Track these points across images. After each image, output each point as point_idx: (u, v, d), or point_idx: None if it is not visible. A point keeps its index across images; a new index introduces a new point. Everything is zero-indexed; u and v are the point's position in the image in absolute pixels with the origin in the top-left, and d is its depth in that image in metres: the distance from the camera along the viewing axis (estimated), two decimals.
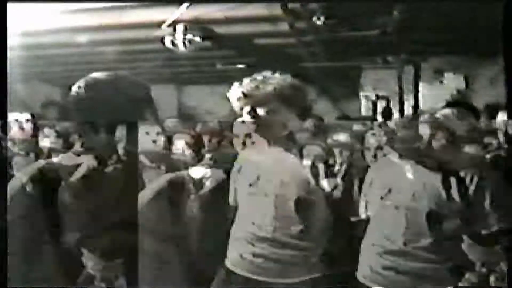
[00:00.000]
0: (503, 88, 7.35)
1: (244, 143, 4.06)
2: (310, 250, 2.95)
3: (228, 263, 3.23)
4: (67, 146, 5.54)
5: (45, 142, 5.53)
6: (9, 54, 7.28)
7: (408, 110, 8.27)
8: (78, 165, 2.04)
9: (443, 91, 8.03)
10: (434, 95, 8.00)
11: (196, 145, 4.54)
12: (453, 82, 8.12)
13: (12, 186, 2.10)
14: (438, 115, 3.08)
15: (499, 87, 7.58)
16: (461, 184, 2.96)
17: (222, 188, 3.54)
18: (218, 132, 5.15)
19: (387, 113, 8.42)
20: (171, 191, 2.67)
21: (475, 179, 3.00)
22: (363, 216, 3.41)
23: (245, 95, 3.05)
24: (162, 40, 6.55)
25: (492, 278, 1.43)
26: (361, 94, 8.82)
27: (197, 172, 3.94)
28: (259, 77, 3.09)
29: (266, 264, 3.05)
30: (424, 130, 3.06)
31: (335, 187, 2.97)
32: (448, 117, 3.07)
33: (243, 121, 3.56)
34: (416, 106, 8.26)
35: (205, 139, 4.98)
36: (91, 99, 2.08)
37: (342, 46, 7.58)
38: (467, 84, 8.11)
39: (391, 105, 8.55)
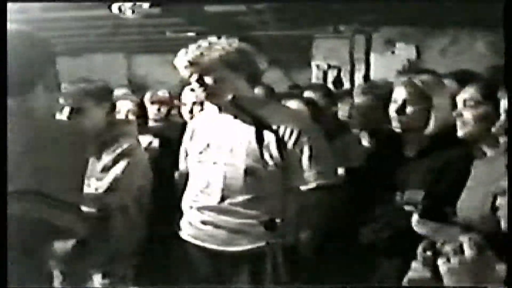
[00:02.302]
0: (452, 59, 7.48)
1: (191, 111, 4.04)
2: (257, 219, 2.92)
3: (178, 230, 3.21)
4: None
5: None
6: None
7: (359, 80, 8.29)
8: None
9: (394, 61, 8.05)
10: (385, 65, 8.02)
11: (141, 113, 4.48)
12: (404, 52, 8.14)
13: None
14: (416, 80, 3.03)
15: (449, 58, 7.66)
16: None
17: (170, 155, 3.51)
18: (166, 100, 5.09)
19: (338, 83, 8.43)
20: None
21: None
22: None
23: (191, 63, 3.00)
24: (109, 6, 6.40)
25: (440, 262, 1.38)
26: (312, 63, 8.79)
27: (144, 139, 3.88)
28: (204, 43, 3.03)
29: (214, 232, 3.05)
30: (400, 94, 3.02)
31: (281, 156, 2.91)
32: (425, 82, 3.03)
33: (192, 89, 3.52)
34: (367, 76, 8.27)
35: (154, 107, 4.93)
36: None
37: (293, 14, 7.53)
38: (418, 54, 8.13)
39: (342, 74, 8.56)
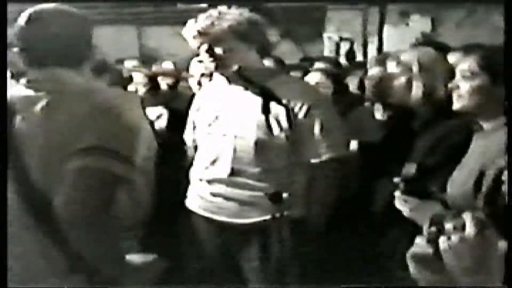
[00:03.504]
0: (468, 32, 7.37)
1: (200, 83, 3.99)
2: (266, 191, 2.86)
3: (188, 202, 3.22)
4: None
5: None
6: None
7: (372, 52, 8.20)
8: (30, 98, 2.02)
9: (408, 33, 7.95)
10: (399, 38, 7.93)
11: (151, 85, 4.45)
12: (419, 24, 8.05)
13: None
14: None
15: (465, 31, 7.55)
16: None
17: (179, 127, 3.47)
18: (174, 72, 5.05)
19: (351, 55, 8.35)
20: None
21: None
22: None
23: (200, 33, 2.94)
24: None
25: (441, 239, 1.32)
26: (324, 35, 8.71)
27: (152, 111, 3.84)
28: (214, 13, 2.98)
29: (224, 204, 3.04)
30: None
31: (291, 129, 2.86)
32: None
33: (200, 61, 3.47)
34: (380, 48, 8.19)
35: (162, 79, 4.90)
36: (33, 31, 2.06)
37: None
38: (433, 27, 8.04)
39: (355, 47, 8.48)
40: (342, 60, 7.52)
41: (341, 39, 8.49)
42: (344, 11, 8.53)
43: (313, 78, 3.96)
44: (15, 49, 2.09)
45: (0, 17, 2.46)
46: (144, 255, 2.30)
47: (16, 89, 2.10)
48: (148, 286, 2.26)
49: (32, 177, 1.94)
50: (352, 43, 8.49)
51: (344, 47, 8.48)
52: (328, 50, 8.54)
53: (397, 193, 2.46)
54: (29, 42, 2.07)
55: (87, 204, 1.88)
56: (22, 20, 2.08)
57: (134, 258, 2.22)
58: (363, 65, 4.89)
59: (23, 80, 2.09)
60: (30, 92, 2.03)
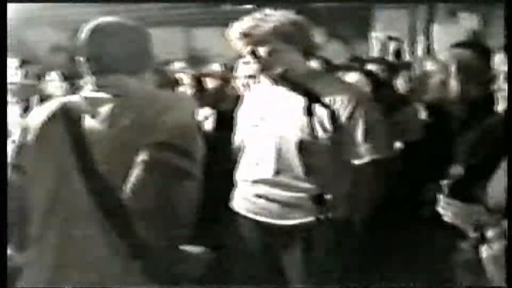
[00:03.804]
0: None
1: (246, 85, 4.02)
2: (308, 193, 2.88)
3: (232, 203, 3.24)
4: (74, 89, 5.52)
5: (49, 86, 5.47)
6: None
7: (420, 51, 8.11)
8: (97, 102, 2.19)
9: (458, 32, 7.84)
10: (447, 36, 7.82)
11: (198, 87, 4.49)
12: (468, 22, 7.93)
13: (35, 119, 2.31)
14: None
15: None
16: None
17: (226, 128, 3.50)
18: (221, 74, 5.08)
19: (398, 54, 8.28)
20: None
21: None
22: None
23: (244, 35, 2.97)
24: None
25: (484, 248, 1.28)
26: (372, 34, 8.66)
27: (200, 113, 3.88)
28: (258, 15, 3.00)
29: (267, 205, 3.05)
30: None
31: (334, 130, 2.86)
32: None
33: (246, 62, 3.49)
34: (428, 47, 8.09)
35: (209, 81, 4.94)
36: (95, 45, 2.24)
37: None
38: (483, 25, 7.92)
39: (403, 46, 8.40)
40: (390, 59, 7.46)
41: (389, 38, 8.42)
42: (391, 9, 8.46)
43: (351, 78, 3.94)
44: (81, 58, 2.27)
45: (0, 17, 2.56)
46: (195, 247, 2.37)
47: (83, 93, 2.28)
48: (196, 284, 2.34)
49: (100, 171, 2.10)
50: (399, 42, 8.42)
51: (392, 46, 8.41)
52: (375, 49, 8.48)
53: (440, 196, 2.42)
54: (94, 52, 2.24)
55: (151, 194, 2.04)
56: (86, 32, 2.26)
57: (187, 248, 2.29)
58: (408, 65, 4.86)
59: (89, 86, 2.25)
60: (98, 95, 2.20)
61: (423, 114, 3.54)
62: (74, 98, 2.30)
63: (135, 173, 2.05)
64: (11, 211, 2.27)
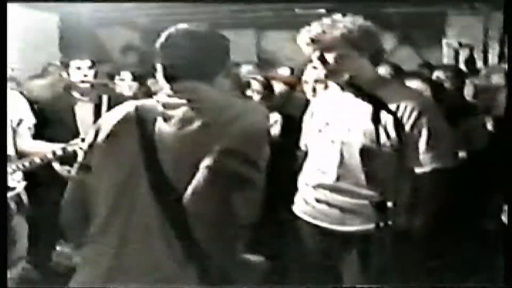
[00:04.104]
0: None
1: (314, 89, 4.05)
2: (369, 200, 2.89)
3: (294, 208, 3.26)
4: (144, 90, 5.65)
5: (120, 85, 5.60)
6: None
7: (493, 59, 7.97)
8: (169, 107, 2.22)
9: None
10: None
11: (266, 91, 4.53)
12: None
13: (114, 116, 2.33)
14: None
15: None
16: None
17: (292, 132, 3.54)
18: (289, 78, 5.12)
19: (470, 62, 8.15)
20: None
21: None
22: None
23: (313, 40, 3.00)
24: None
25: None
26: (444, 41, 8.54)
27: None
28: (327, 21, 3.03)
29: (328, 210, 3.07)
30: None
31: (398, 138, 2.86)
32: None
33: (314, 67, 3.52)
34: (501, 55, 7.93)
35: (277, 85, 4.97)
36: (170, 51, 2.27)
37: None
38: None
39: (475, 53, 8.26)
40: (462, 67, 7.36)
41: (461, 45, 8.30)
42: (465, 16, 8.33)
43: (416, 85, 3.91)
44: (157, 64, 2.30)
45: (0, 17, 2.57)
46: (254, 255, 2.39)
47: (158, 97, 2.31)
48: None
49: (166, 173, 2.13)
50: (471, 49, 8.29)
51: (464, 53, 8.29)
52: (446, 56, 8.38)
53: (505, 207, 2.41)
54: (169, 58, 2.27)
55: (211, 200, 2.05)
56: (162, 38, 2.29)
57: (246, 257, 2.31)
58: (477, 73, 4.80)
59: (164, 91, 2.28)
60: (172, 99, 2.23)
61: (489, 125, 3.50)
62: (149, 102, 2.34)
63: (198, 177, 2.06)
64: (72, 208, 2.33)
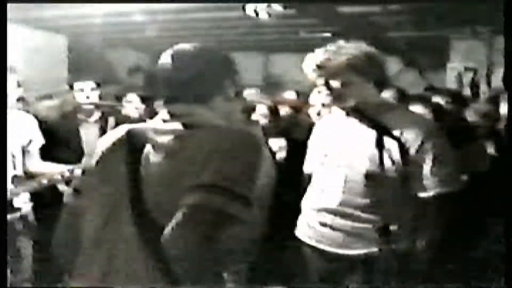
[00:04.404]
0: None
1: (319, 113, 4.09)
2: (373, 224, 2.91)
3: (297, 231, 3.28)
4: (150, 112, 5.68)
5: (127, 107, 5.65)
6: (96, 21, 7.47)
7: (497, 83, 8.01)
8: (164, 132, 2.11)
9: None
10: None
11: (272, 115, 4.55)
12: None
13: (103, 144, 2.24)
14: None
15: None
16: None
17: (297, 157, 3.56)
18: (295, 101, 5.15)
19: (474, 86, 8.19)
20: None
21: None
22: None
23: (318, 67, 3.04)
24: (243, 8, 6.54)
25: None
26: (448, 65, 8.59)
27: (274, 143, 3.96)
28: (332, 47, 3.06)
29: (331, 234, 3.08)
30: None
31: (403, 163, 2.89)
32: None
33: (320, 91, 3.56)
34: (505, 78, 7.97)
35: (283, 108, 5.00)
36: (176, 70, 2.16)
37: (429, 15, 7.40)
38: None
39: (478, 77, 8.30)
40: (466, 91, 7.41)
41: (465, 69, 8.35)
42: (468, 40, 8.39)
43: (419, 109, 3.95)
44: (159, 83, 2.22)
45: (0, 17, 2.57)
46: None
47: (152, 120, 2.24)
48: None
49: (149, 205, 2.01)
50: (475, 73, 8.34)
51: (468, 76, 8.34)
52: (451, 79, 8.42)
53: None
54: (167, 78, 2.19)
55: (190, 239, 1.87)
56: (163, 58, 2.20)
57: None
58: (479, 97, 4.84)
59: (161, 113, 2.19)
60: (164, 125, 2.13)
61: (491, 148, 3.54)
62: (141, 126, 2.24)
63: (177, 216, 1.89)
64: (64, 234, 2.24)
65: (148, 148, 2.09)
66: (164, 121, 2.15)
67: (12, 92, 3.88)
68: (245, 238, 2.09)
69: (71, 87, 4.79)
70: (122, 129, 2.22)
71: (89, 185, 2.21)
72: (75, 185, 2.32)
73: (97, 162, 2.20)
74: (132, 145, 2.13)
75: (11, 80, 3.85)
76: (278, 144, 4.17)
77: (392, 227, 2.67)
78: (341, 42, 3.10)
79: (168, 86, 2.19)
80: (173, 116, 2.13)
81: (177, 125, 2.09)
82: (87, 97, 4.66)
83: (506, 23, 2.17)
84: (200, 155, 1.96)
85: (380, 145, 2.75)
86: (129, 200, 2.04)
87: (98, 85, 4.74)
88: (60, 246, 2.25)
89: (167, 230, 1.88)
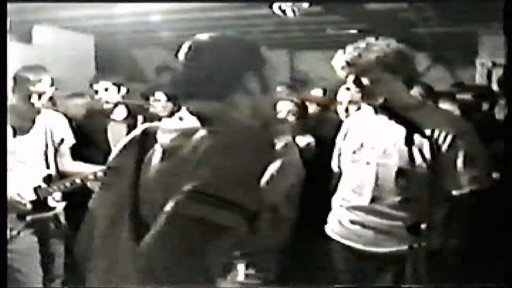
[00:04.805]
0: None
1: (347, 110, 4.08)
2: (404, 221, 2.91)
3: (327, 229, 3.30)
4: (178, 110, 5.70)
5: (155, 106, 5.68)
6: (121, 20, 7.50)
7: None
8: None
9: None
10: None
11: (300, 112, 4.54)
12: None
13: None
14: None
15: None
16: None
17: (325, 154, 3.56)
18: (323, 99, 5.15)
19: (503, 81, 8.11)
20: None
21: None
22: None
23: (348, 64, 3.03)
24: (271, 5, 6.52)
25: None
26: (477, 61, 8.52)
27: (302, 140, 3.95)
28: (362, 44, 3.06)
29: (362, 232, 3.09)
30: None
31: (434, 160, 2.88)
32: None
33: (347, 88, 3.56)
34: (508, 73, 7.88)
35: (310, 106, 4.99)
36: (193, 63, 1.98)
37: (457, 11, 7.33)
38: None
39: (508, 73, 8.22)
40: (495, 87, 7.33)
41: (494, 64, 8.26)
42: (497, 36, 8.30)
43: (449, 107, 3.93)
44: (174, 80, 2.12)
45: (0, 17, 2.58)
46: None
47: (166, 120, 2.14)
48: None
49: (144, 209, 1.92)
50: (505, 69, 8.25)
51: (497, 73, 8.25)
52: (480, 75, 8.35)
53: None
54: (186, 74, 2.00)
55: (166, 249, 1.72)
56: (180, 54, 2.03)
57: None
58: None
59: (181, 111, 2.03)
60: (173, 124, 2.00)
61: None
62: (156, 125, 2.09)
63: (157, 224, 1.73)
64: (82, 236, 2.13)
65: (155, 148, 1.98)
66: (181, 119, 1.99)
67: (45, 92, 3.92)
68: (275, 234, 2.01)
69: (96, 86, 4.82)
70: (140, 128, 2.13)
71: (100, 190, 2.17)
72: (92, 187, 2.27)
73: (111, 162, 2.12)
74: (142, 145, 2.03)
75: (45, 80, 3.89)
76: (305, 141, 4.17)
77: (423, 225, 2.66)
78: (371, 39, 3.10)
79: (186, 81, 2.00)
80: (191, 114, 1.95)
81: (190, 124, 1.92)
82: (113, 96, 4.69)
83: (506, 23, 2.13)
84: (195, 155, 1.78)
85: (410, 142, 2.74)
86: (129, 203, 1.95)
87: (123, 84, 4.77)
88: (81, 247, 2.14)
89: (144, 240, 1.74)
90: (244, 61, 2.00)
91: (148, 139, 2.02)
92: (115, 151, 2.12)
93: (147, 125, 2.14)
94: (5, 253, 2.20)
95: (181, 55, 2.02)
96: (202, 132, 1.84)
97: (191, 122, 1.92)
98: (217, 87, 1.94)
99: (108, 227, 1.98)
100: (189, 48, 2.01)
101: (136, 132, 2.10)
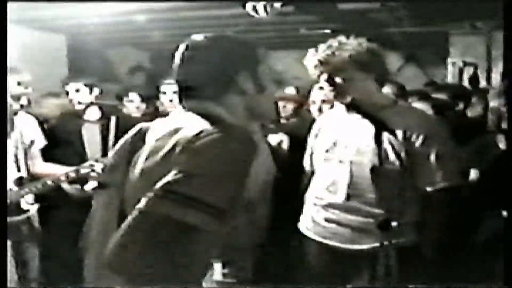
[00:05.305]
0: None
1: (320, 109, 4.09)
2: (376, 218, 2.91)
3: (301, 227, 3.30)
4: (153, 112, 5.67)
5: (129, 107, 5.64)
6: (99, 20, 7.45)
7: (496, 78, 8.02)
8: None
9: None
10: None
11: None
12: None
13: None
14: None
15: None
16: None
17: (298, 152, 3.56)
18: (295, 98, 5.15)
19: (474, 81, 8.20)
20: None
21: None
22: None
23: (321, 62, 3.04)
24: (244, 5, 6.53)
25: None
26: (448, 60, 8.59)
27: (273, 138, 3.95)
28: (334, 43, 3.06)
29: (338, 230, 3.09)
30: None
31: (408, 158, 2.90)
32: None
33: (321, 87, 3.56)
34: (505, 73, 7.99)
35: (283, 105, 5.00)
36: (189, 63, 2.00)
37: (428, 11, 7.39)
38: None
39: (479, 72, 8.31)
40: (466, 85, 7.42)
41: (465, 64, 8.35)
42: (468, 36, 8.40)
43: (422, 105, 3.95)
44: (172, 81, 2.13)
45: (0, 17, 2.57)
46: None
47: (164, 118, 2.10)
48: None
49: (125, 209, 1.89)
50: (476, 68, 8.35)
51: (468, 72, 8.34)
52: (451, 74, 8.42)
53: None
54: (181, 74, 2.02)
55: (132, 249, 1.69)
56: (177, 53, 2.05)
57: None
58: (484, 94, 4.84)
59: (176, 112, 2.05)
60: (168, 124, 1.96)
61: (501, 143, 3.53)
62: (149, 124, 2.10)
63: (125, 223, 1.71)
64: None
65: (143, 148, 1.96)
66: (175, 119, 1.98)
67: (13, 92, 3.88)
68: (249, 232, 2.00)
69: (67, 87, 4.77)
70: (136, 128, 2.12)
71: (99, 185, 2.19)
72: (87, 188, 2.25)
73: (107, 163, 2.16)
74: (134, 145, 2.03)
75: (11, 80, 3.84)
76: (277, 139, 4.17)
77: (393, 222, 2.67)
78: (343, 38, 3.10)
79: (181, 81, 2.02)
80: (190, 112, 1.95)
81: (178, 124, 1.90)
82: (86, 97, 4.65)
83: (505, 20, 2.15)
84: (172, 155, 1.78)
85: (380, 140, 2.75)
86: (117, 203, 1.96)
87: (95, 85, 4.73)
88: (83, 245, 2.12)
89: (112, 241, 1.72)
90: (236, 60, 1.99)
91: (139, 139, 2.03)
92: (113, 151, 2.14)
93: (141, 125, 2.12)
94: (5, 253, 2.07)
95: (177, 55, 2.03)
96: (182, 132, 1.83)
97: (180, 122, 1.91)
98: (211, 86, 1.96)
99: (102, 228, 1.99)
100: (185, 48, 2.02)
101: (132, 132, 2.10)
